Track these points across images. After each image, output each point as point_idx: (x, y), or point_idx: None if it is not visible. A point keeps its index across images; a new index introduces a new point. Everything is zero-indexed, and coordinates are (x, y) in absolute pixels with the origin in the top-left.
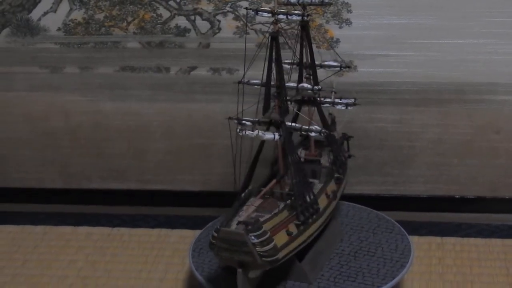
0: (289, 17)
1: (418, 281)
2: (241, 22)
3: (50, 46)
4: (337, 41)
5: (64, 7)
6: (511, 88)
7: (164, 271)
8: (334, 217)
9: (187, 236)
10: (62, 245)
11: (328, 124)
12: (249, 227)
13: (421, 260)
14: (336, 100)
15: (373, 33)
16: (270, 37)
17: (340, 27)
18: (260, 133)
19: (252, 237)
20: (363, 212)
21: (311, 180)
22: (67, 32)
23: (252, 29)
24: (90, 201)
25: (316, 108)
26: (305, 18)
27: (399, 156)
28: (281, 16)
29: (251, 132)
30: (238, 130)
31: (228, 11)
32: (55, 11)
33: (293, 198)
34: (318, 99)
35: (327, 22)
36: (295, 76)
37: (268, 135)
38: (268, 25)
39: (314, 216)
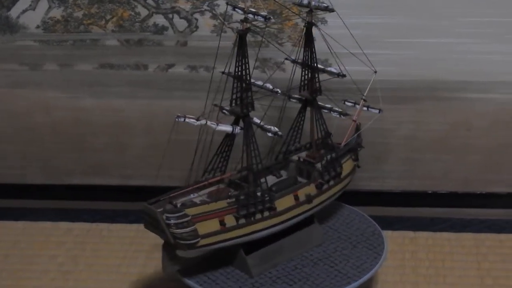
0: (256, 17)
1: (392, 275)
2: (218, 21)
3: (29, 44)
4: (313, 39)
5: (43, 5)
6: (483, 87)
7: (143, 266)
8: (313, 222)
9: None
10: (42, 240)
11: (323, 130)
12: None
13: (395, 255)
14: (333, 107)
15: (348, 32)
16: (238, 35)
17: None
18: (210, 123)
19: (167, 217)
20: (336, 207)
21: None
22: (46, 29)
23: (229, 27)
24: (71, 196)
25: (314, 110)
26: (311, 20)
27: (374, 152)
28: (250, 16)
29: (193, 120)
30: (177, 116)
31: (205, 10)
32: (34, 9)
33: (238, 191)
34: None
35: (303, 21)
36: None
37: (223, 127)
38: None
39: (265, 214)
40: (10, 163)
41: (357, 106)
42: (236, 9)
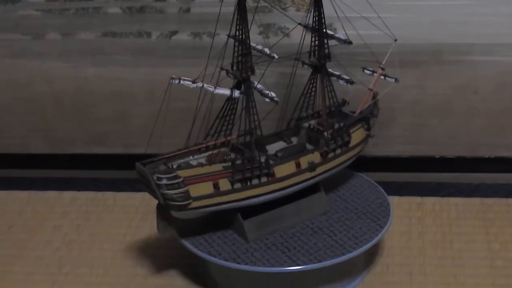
0: None
1: (398, 240)
2: None
3: (31, 13)
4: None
5: None
6: (488, 49)
7: (148, 235)
8: (318, 190)
9: None
10: (47, 210)
11: (333, 97)
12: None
13: (401, 220)
14: (341, 74)
15: None
16: None
17: None
18: (207, 86)
19: (158, 178)
20: (347, 175)
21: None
22: None
23: None
24: (74, 166)
25: (323, 77)
26: None
27: (378, 118)
28: None
29: (189, 82)
30: (171, 78)
31: None
32: None
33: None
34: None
35: None
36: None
37: (221, 90)
38: None
39: (263, 179)
40: (13, 133)
41: (375, 74)
42: None
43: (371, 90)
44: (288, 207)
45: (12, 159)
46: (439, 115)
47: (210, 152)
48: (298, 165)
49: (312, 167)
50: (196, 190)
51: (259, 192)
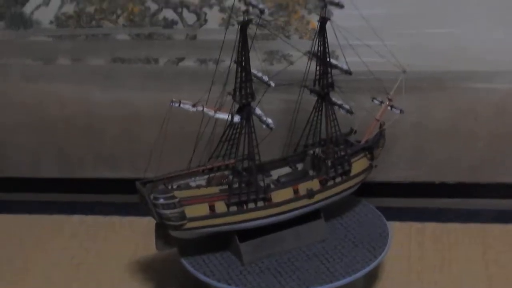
0: (253, 9)
1: (398, 264)
2: (227, 14)
3: (43, 39)
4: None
5: (56, 0)
6: (487, 75)
7: (153, 256)
8: (319, 217)
9: None
10: (56, 232)
11: (336, 125)
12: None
13: (402, 245)
14: (343, 104)
15: (353, 24)
16: (239, 25)
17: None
18: (206, 110)
19: (155, 197)
20: (353, 202)
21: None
22: (59, 25)
23: (237, 20)
24: (84, 189)
25: (326, 105)
26: (325, 15)
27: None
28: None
29: (188, 105)
30: (171, 101)
31: (213, 4)
32: (47, 5)
33: (232, 177)
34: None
35: (309, 13)
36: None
37: (221, 115)
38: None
39: (259, 204)
40: (24, 157)
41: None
42: (240, 0)
43: (377, 120)
44: (287, 232)
45: (23, 182)
46: (440, 140)
47: (213, 175)
48: (296, 191)
49: (310, 194)
50: (192, 211)
51: (255, 216)
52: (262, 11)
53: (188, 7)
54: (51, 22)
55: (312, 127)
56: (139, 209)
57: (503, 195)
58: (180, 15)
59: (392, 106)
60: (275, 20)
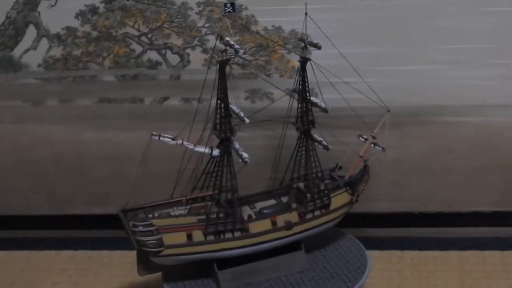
0: (230, 49)
1: None
2: (209, 55)
3: (31, 81)
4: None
5: (44, 44)
6: (461, 110)
7: None
8: (299, 248)
9: None
10: (46, 268)
11: (317, 161)
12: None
13: (381, 273)
14: (322, 141)
15: (331, 62)
16: (218, 64)
17: (297, 54)
18: (186, 143)
19: (134, 225)
20: (338, 234)
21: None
22: (47, 67)
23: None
24: (73, 226)
25: (307, 141)
26: (305, 56)
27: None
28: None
29: (168, 139)
30: (151, 135)
31: (196, 45)
32: (35, 49)
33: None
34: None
35: (289, 53)
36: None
37: (200, 149)
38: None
39: (236, 234)
40: (15, 195)
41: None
42: (221, 41)
43: (361, 157)
44: (266, 262)
45: (14, 220)
46: (418, 173)
47: (195, 205)
48: (274, 222)
49: (288, 226)
50: (169, 238)
51: (232, 246)
52: (236, 51)
53: (171, 49)
54: (39, 65)
55: (296, 161)
56: (128, 243)
57: (479, 223)
58: (164, 56)
59: (375, 144)
60: (256, 60)
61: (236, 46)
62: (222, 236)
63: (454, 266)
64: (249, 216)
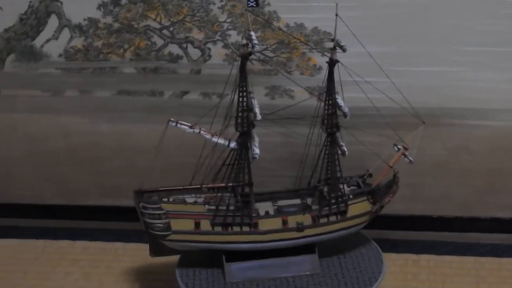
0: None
1: None
2: (230, 50)
3: (52, 71)
4: (320, 68)
5: (65, 35)
6: (480, 113)
7: (153, 282)
8: (313, 251)
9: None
10: (59, 258)
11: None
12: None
13: (397, 275)
14: (342, 146)
15: (352, 61)
16: (240, 57)
17: (322, 55)
18: (203, 132)
19: (144, 206)
20: (360, 239)
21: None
22: (68, 58)
23: (238, 53)
24: (87, 217)
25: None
26: (333, 57)
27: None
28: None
29: (186, 126)
30: (169, 120)
31: (217, 40)
32: (56, 39)
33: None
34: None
35: (310, 50)
36: None
37: (217, 139)
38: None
39: (245, 228)
40: (30, 185)
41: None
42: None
43: (391, 167)
44: (275, 260)
45: (28, 209)
46: (435, 175)
47: (212, 194)
48: (285, 222)
49: (300, 228)
50: (177, 224)
51: (240, 240)
52: (253, 47)
53: (192, 43)
54: (60, 55)
55: (323, 163)
56: (142, 236)
57: (497, 229)
58: (185, 50)
59: (405, 155)
60: (277, 56)
61: (254, 42)
62: (229, 228)
63: (470, 271)
64: (267, 212)
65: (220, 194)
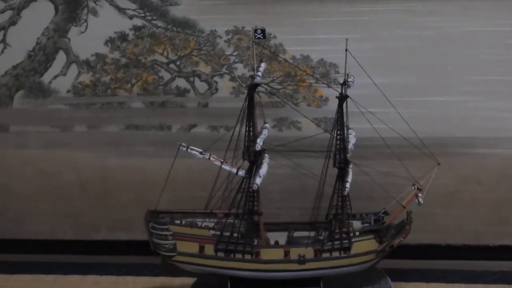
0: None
1: None
2: (237, 83)
3: (60, 107)
4: (326, 99)
5: (73, 70)
6: (489, 142)
7: None
8: (317, 285)
9: (188, 284)
10: None
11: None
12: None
13: None
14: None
15: (359, 92)
16: (248, 88)
17: (329, 87)
18: (213, 159)
19: (153, 226)
20: (377, 273)
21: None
22: (76, 93)
23: (245, 85)
24: (98, 251)
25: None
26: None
27: (387, 207)
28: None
29: (196, 152)
30: (180, 145)
31: (224, 73)
32: (64, 75)
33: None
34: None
35: (316, 82)
36: None
37: (226, 167)
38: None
39: (247, 256)
40: (42, 220)
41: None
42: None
43: (403, 207)
44: None
45: (40, 244)
46: (445, 204)
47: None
48: (286, 253)
49: (301, 260)
50: (182, 246)
51: (242, 267)
52: (253, 78)
53: (199, 76)
54: (68, 91)
55: (339, 198)
56: (152, 270)
57: (506, 257)
58: (192, 84)
59: (418, 196)
60: (283, 88)
61: (257, 73)
62: (232, 255)
63: None
64: (276, 242)
65: (224, 220)
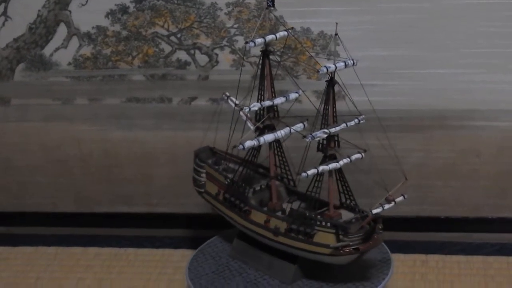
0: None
1: None
2: (237, 56)
3: (61, 80)
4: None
5: (74, 43)
6: (489, 115)
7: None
8: (293, 261)
9: (189, 255)
10: (72, 264)
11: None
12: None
13: (405, 276)
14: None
15: (359, 64)
16: (261, 53)
17: (328, 59)
18: (242, 114)
19: (197, 163)
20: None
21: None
22: (77, 66)
23: (247, 61)
24: (100, 224)
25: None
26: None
27: (385, 179)
28: (269, 37)
29: (233, 102)
30: (223, 94)
31: (225, 45)
32: (65, 47)
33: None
34: None
35: (317, 54)
36: None
37: (251, 125)
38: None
39: (241, 213)
40: (43, 193)
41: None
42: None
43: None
44: (264, 255)
45: (42, 217)
46: (444, 177)
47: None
48: (267, 220)
49: (275, 231)
50: (208, 186)
51: (236, 219)
52: (255, 44)
53: (200, 49)
54: (69, 64)
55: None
56: (153, 242)
57: (505, 229)
58: (193, 56)
59: (394, 201)
60: (283, 61)
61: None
62: (232, 207)
63: (479, 270)
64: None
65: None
